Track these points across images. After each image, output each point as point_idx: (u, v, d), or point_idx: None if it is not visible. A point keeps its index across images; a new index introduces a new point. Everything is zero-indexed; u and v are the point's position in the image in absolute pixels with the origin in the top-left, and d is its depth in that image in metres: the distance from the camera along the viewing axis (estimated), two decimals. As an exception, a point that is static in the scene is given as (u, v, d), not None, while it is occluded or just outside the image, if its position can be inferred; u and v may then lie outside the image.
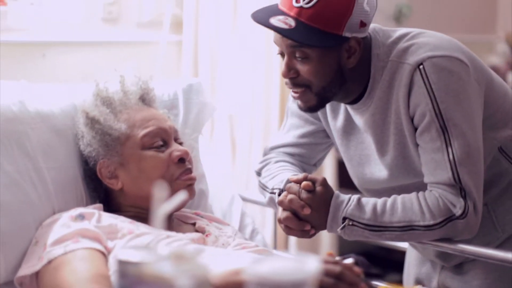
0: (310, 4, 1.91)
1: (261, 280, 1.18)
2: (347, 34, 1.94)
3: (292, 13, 1.93)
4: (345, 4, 1.92)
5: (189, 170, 2.10)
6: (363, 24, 1.96)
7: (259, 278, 1.18)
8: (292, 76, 2.00)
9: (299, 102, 2.06)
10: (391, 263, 3.05)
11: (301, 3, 1.92)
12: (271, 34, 2.02)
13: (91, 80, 2.19)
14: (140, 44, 3.10)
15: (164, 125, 2.11)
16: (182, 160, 2.08)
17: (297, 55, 1.97)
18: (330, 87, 2.01)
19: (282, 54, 2.03)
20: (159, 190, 1.29)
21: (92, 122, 2.09)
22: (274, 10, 1.97)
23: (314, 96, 2.02)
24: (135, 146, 2.07)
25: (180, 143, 2.15)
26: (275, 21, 1.93)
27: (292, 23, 1.92)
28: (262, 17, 1.97)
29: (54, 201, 2.07)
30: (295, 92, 2.04)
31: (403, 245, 2.57)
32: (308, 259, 1.19)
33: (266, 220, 3.17)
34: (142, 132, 2.08)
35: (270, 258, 1.22)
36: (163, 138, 2.09)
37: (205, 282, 1.19)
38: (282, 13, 1.94)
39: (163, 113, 2.24)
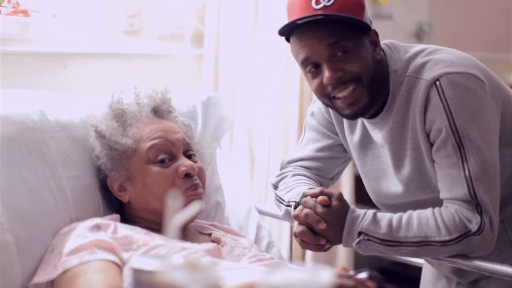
0: (332, 1, 1.93)
1: (274, 291, 1.18)
2: (367, 22, 1.99)
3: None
4: None
5: (195, 186, 2.07)
6: (370, 22, 2.02)
7: (272, 289, 1.19)
8: (339, 76, 1.97)
9: (346, 110, 2.03)
10: (407, 279, 3.03)
11: (323, 3, 1.93)
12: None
13: (110, 92, 2.20)
14: (161, 56, 3.11)
15: (172, 137, 2.10)
16: (188, 175, 2.07)
17: (337, 53, 1.96)
18: (376, 80, 2.00)
19: (315, 68, 2.00)
20: (173, 200, 1.29)
21: (99, 136, 2.11)
22: (296, 20, 1.97)
23: (365, 91, 1.99)
24: (140, 161, 2.08)
25: (192, 155, 2.13)
26: (304, 20, 1.94)
27: (322, 16, 1.93)
28: (290, 26, 1.97)
29: (72, 210, 2.08)
30: (344, 96, 1.99)
31: (419, 260, 2.56)
32: (321, 271, 1.20)
33: (283, 233, 3.17)
34: (147, 146, 2.08)
35: (283, 270, 1.22)
36: (170, 151, 2.08)
37: (218, 291, 1.20)
38: (306, 17, 1.95)
39: (183, 121, 2.25)
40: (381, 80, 2.03)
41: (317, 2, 1.94)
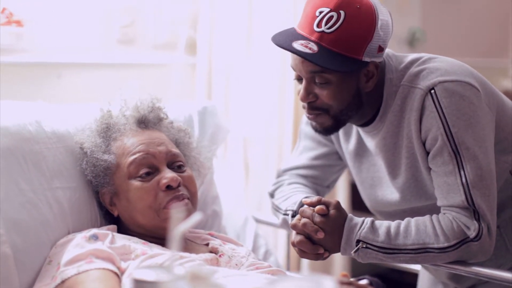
0: (332, 29, 1.92)
1: (276, 300, 1.18)
2: (366, 58, 1.96)
3: (313, 38, 1.94)
4: (366, 30, 1.93)
5: (177, 197, 2.03)
6: (381, 49, 1.98)
7: (274, 298, 1.18)
8: (311, 100, 2.01)
9: (313, 123, 2.07)
10: (403, 285, 3.04)
11: (323, 28, 1.93)
12: (285, 56, 2.04)
13: (104, 101, 2.20)
14: (155, 66, 3.10)
15: (154, 150, 2.08)
16: (170, 187, 2.03)
17: (317, 80, 1.98)
18: (347, 111, 2.02)
19: (299, 79, 2.04)
20: (176, 211, 1.29)
21: (82, 153, 2.11)
22: (293, 34, 1.98)
23: (330, 118, 2.03)
24: (123, 176, 2.06)
25: (181, 165, 2.11)
26: (298, 45, 1.94)
27: (315, 47, 1.93)
28: (283, 41, 1.97)
29: (69, 221, 2.07)
30: (311, 114, 2.05)
31: (415, 267, 2.56)
32: (324, 280, 1.20)
33: (278, 242, 3.17)
34: (128, 161, 2.06)
35: (285, 279, 1.22)
36: (151, 164, 2.06)
37: (220, 301, 1.20)
38: (302, 37, 1.96)
39: (179, 127, 2.25)
40: (356, 106, 2.04)
41: (319, 25, 1.94)
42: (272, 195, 2.30)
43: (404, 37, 4.08)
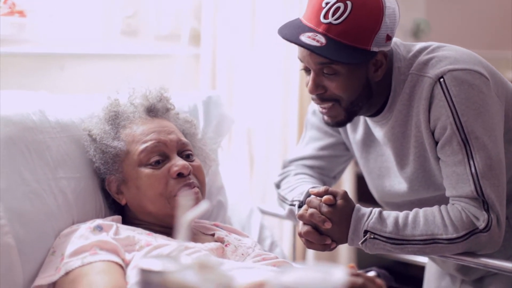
0: (340, 20, 1.90)
1: (286, 290, 1.16)
2: (374, 48, 1.94)
3: (320, 29, 1.92)
4: (374, 19, 1.91)
5: (188, 185, 2.03)
6: (389, 38, 1.96)
7: (284, 288, 1.16)
8: (320, 92, 1.99)
9: (325, 117, 2.05)
10: (409, 278, 3.02)
11: (330, 19, 1.91)
12: (290, 46, 2.02)
13: (109, 91, 2.18)
14: (158, 57, 3.09)
15: (165, 138, 2.07)
16: (181, 174, 2.03)
17: (325, 71, 1.96)
18: (358, 101, 2.00)
19: (306, 70, 2.01)
20: (184, 199, 1.27)
21: (92, 140, 2.09)
22: (300, 26, 1.96)
23: (343, 111, 2.01)
24: (133, 163, 2.05)
25: (189, 155, 2.10)
26: (305, 38, 1.92)
27: (323, 39, 1.91)
28: (290, 34, 1.95)
29: (73, 211, 2.05)
30: (323, 108, 2.03)
31: (421, 259, 2.55)
32: (334, 270, 1.18)
33: (284, 233, 3.15)
34: (139, 149, 2.04)
35: (295, 269, 1.20)
36: (163, 152, 2.05)
37: (229, 291, 1.18)
38: (309, 29, 1.93)
39: (185, 118, 2.23)
40: (367, 97, 2.02)
41: (326, 16, 1.92)
42: (278, 185, 2.28)
43: (409, 28, 4.06)
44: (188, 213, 1.27)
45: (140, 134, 2.07)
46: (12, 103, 2.08)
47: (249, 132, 3.18)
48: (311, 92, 2.00)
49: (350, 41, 1.91)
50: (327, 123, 2.08)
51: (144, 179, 2.02)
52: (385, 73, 2.02)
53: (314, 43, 1.91)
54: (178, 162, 2.03)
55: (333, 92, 1.98)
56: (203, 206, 1.30)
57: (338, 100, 2.00)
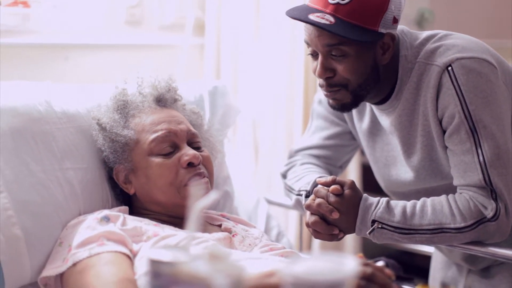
0: (347, 0, 1.89)
1: (297, 280, 1.15)
2: (382, 30, 1.93)
3: (328, 10, 1.91)
4: (381, 0, 1.90)
5: (199, 175, 2.03)
6: (396, 20, 1.95)
7: (295, 278, 1.16)
8: (329, 76, 1.98)
9: (330, 101, 2.04)
10: (414, 267, 3.02)
11: (338, 0, 1.90)
12: (295, 35, 2.00)
13: (114, 82, 2.18)
14: (162, 47, 3.08)
15: (175, 128, 2.07)
16: (191, 164, 2.03)
17: (333, 53, 1.95)
18: (365, 85, 1.99)
19: (314, 54, 2.00)
20: (195, 189, 1.27)
21: (101, 128, 2.09)
22: (307, 9, 1.95)
23: (349, 94, 2.00)
24: (143, 153, 2.04)
25: (198, 147, 2.10)
26: (314, 17, 1.91)
27: (331, 19, 1.90)
28: (299, 15, 1.94)
29: (80, 202, 2.05)
30: (329, 91, 2.01)
31: (427, 249, 2.54)
32: (345, 259, 1.17)
33: (290, 223, 3.15)
34: (150, 138, 2.04)
35: (306, 259, 1.19)
36: (173, 141, 2.05)
37: (240, 282, 1.17)
38: (317, 10, 1.92)
39: (192, 109, 2.23)
40: (374, 81, 2.01)
41: None
42: (284, 175, 2.28)
43: (413, 17, 4.04)
44: (199, 203, 1.27)
45: (150, 123, 2.07)
46: (17, 94, 2.07)
47: (254, 122, 3.18)
48: (320, 76, 1.99)
49: (358, 21, 1.90)
50: (331, 106, 2.06)
51: (154, 169, 2.02)
52: (392, 60, 2.01)
53: (324, 21, 1.90)
54: (188, 152, 2.03)
55: (342, 75, 1.97)
56: (213, 195, 1.30)
57: (346, 85, 1.99)
